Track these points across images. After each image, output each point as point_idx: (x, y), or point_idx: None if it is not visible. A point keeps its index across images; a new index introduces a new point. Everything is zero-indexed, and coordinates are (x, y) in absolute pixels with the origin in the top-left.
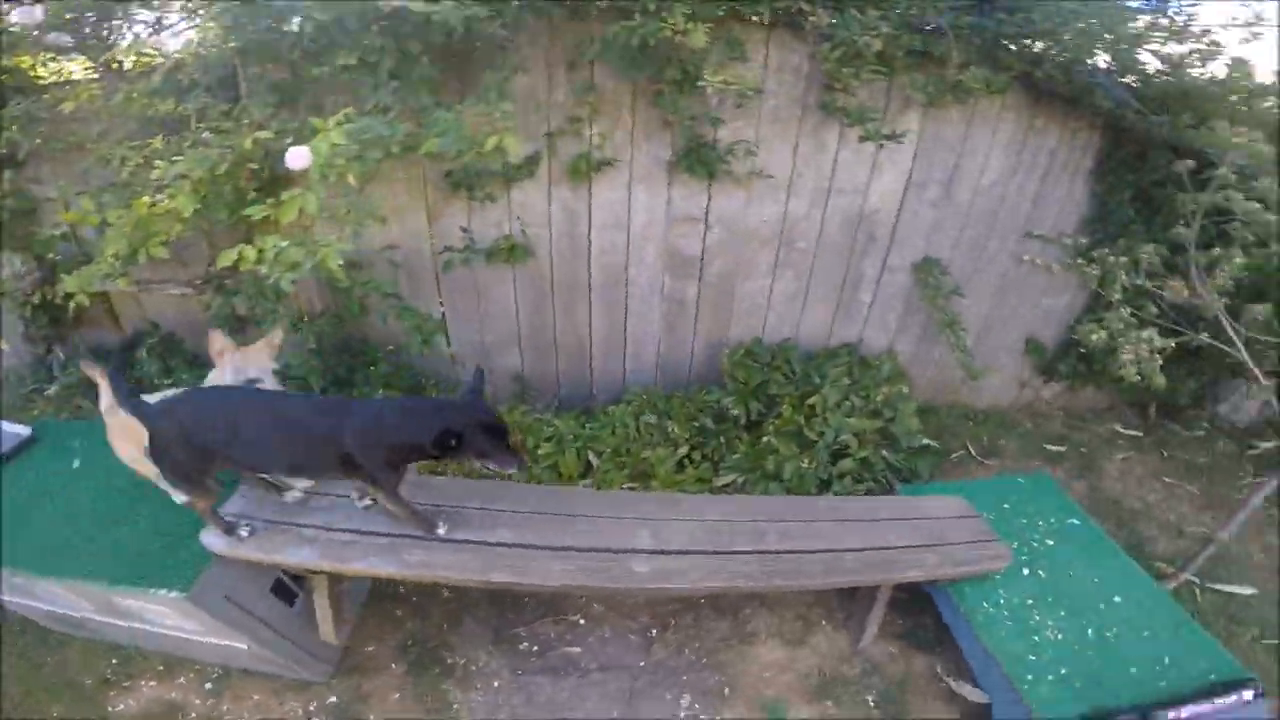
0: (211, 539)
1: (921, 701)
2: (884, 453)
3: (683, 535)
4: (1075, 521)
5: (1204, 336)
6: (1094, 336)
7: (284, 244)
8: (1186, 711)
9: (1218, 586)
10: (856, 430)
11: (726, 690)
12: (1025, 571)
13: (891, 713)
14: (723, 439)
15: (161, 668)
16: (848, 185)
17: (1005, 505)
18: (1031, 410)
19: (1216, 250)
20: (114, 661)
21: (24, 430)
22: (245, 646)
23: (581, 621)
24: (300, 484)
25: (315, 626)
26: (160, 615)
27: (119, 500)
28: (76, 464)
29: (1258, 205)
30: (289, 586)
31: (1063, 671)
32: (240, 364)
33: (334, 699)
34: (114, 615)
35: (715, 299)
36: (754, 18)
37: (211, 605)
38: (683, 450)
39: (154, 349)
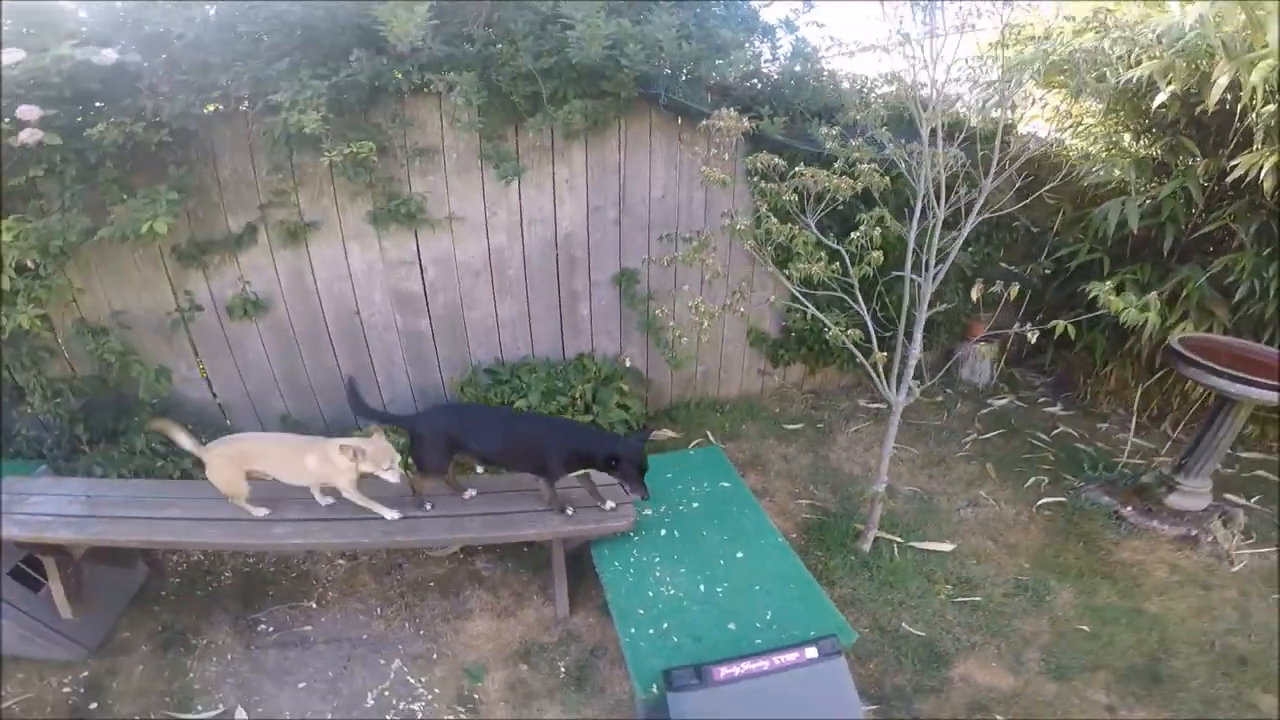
0: None
1: (609, 666)
2: None
3: (330, 509)
4: (727, 485)
5: (810, 309)
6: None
7: None
8: (740, 668)
9: (919, 544)
10: None
11: (435, 655)
12: (663, 532)
13: (578, 675)
14: None
15: None
16: (538, 216)
17: (668, 475)
18: (780, 395)
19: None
20: None
21: None
22: None
23: (315, 606)
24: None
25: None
26: None
27: None
28: None
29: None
30: (29, 574)
31: (665, 626)
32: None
33: (86, 674)
34: None
35: (448, 329)
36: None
37: None
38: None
39: None
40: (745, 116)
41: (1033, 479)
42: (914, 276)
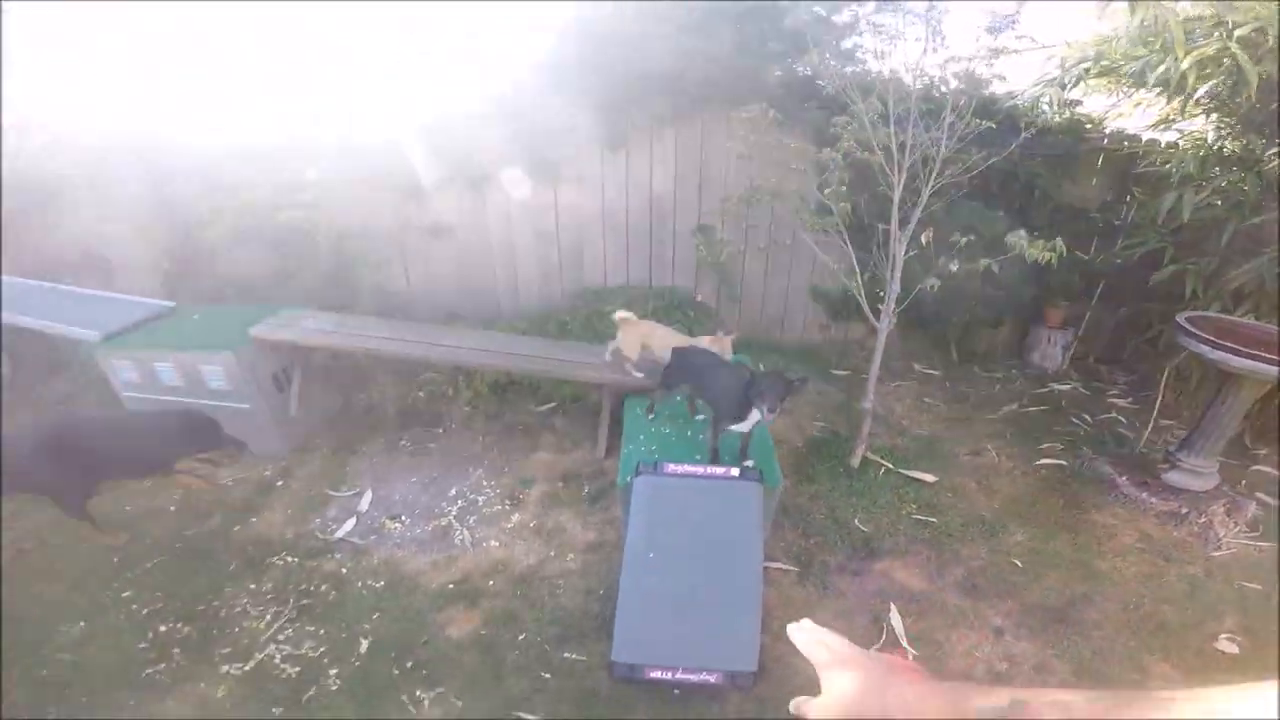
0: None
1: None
2: None
3: (480, 344)
4: None
5: (811, 244)
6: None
7: None
8: (682, 469)
9: (906, 471)
10: None
11: (505, 470)
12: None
13: (595, 496)
14: None
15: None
16: (640, 180)
17: None
18: (841, 349)
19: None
20: None
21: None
22: (248, 406)
23: (441, 432)
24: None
25: (296, 413)
26: (213, 375)
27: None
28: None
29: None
30: (281, 380)
31: (653, 449)
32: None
33: (284, 463)
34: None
35: (569, 258)
36: None
37: (242, 366)
38: None
39: None
40: (770, 109)
41: (1046, 444)
42: (891, 228)
